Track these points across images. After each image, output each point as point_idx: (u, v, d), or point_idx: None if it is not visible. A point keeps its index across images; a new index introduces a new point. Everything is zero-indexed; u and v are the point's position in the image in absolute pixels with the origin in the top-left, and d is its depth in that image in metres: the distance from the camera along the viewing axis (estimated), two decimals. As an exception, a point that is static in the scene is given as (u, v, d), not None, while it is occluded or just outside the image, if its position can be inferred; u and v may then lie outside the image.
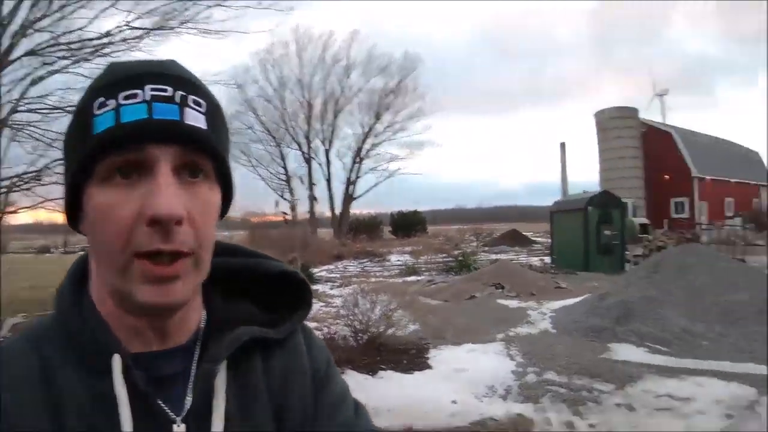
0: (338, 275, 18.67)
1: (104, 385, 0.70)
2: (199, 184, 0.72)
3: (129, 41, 10.36)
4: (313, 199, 36.53)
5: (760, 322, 8.35)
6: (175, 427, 0.73)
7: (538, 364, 6.66)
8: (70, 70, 10.38)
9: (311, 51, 39.80)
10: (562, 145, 36.39)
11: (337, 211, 40.39)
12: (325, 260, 23.61)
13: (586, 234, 18.58)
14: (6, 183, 9.87)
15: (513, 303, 11.11)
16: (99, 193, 0.69)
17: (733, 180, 42.64)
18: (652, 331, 8.01)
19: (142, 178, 0.69)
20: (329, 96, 40.30)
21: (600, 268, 17.34)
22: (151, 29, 10.44)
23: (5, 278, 9.42)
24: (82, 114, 0.72)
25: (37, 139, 10.13)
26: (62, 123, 9.71)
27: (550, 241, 23.68)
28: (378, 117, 40.43)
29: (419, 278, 16.83)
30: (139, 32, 10.36)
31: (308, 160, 40.23)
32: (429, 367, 6.57)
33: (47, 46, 10.01)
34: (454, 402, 5.36)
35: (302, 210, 32.30)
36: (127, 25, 10.22)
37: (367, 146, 40.85)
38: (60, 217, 12.18)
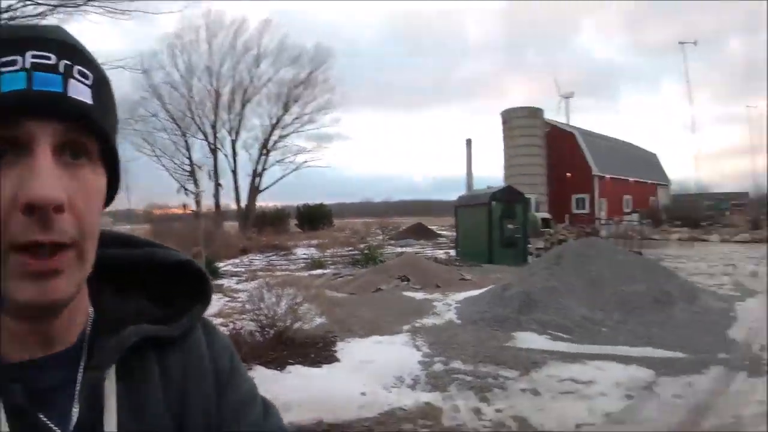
0: (244, 269, 18.40)
1: None
2: (82, 167, 0.64)
3: (31, 18, 9.65)
4: (218, 187, 35.48)
5: (655, 309, 8.92)
6: None
7: (445, 353, 6.76)
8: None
9: (222, 38, 38.57)
10: (468, 142, 37.46)
11: (243, 203, 39.50)
12: (231, 254, 23.15)
13: (490, 228, 19.10)
14: None
15: (419, 295, 11.24)
16: None
17: (631, 179, 45.68)
18: (554, 320, 8.33)
19: (18, 159, 0.60)
20: (238, 85, 39.24)
21: (503, 261, 17.89)
22: (56, 5, 9.77)
23: None
24: None
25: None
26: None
27: (455, 234, 24.16)
28: (286, 108, 39.72)
29: (325, 271, 16.79)
30: (42, 8, 9.66)
31: (214, 151, 39.02)
32: (337, 359, 6.52)
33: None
34: (363, 394, 5.33)
35: (207, 202, 31.42)
36: (30, 1, 9.52)
37: (274, 138, 40.10)
38: None
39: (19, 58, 0.61)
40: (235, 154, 39.78)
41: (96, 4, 9.91)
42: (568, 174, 40.15)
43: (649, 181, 50.09)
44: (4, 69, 0.60)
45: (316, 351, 6.74)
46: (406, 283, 12.59)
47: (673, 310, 9.07)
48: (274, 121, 39.63)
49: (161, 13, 11.68)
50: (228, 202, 39.44)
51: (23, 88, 0.59)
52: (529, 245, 20.53)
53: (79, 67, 0.64)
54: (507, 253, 18.74)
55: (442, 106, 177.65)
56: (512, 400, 5.30)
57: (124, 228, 13.68)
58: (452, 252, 22.22)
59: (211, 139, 38.79)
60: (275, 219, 38.51)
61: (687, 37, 72.45)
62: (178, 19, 35.18)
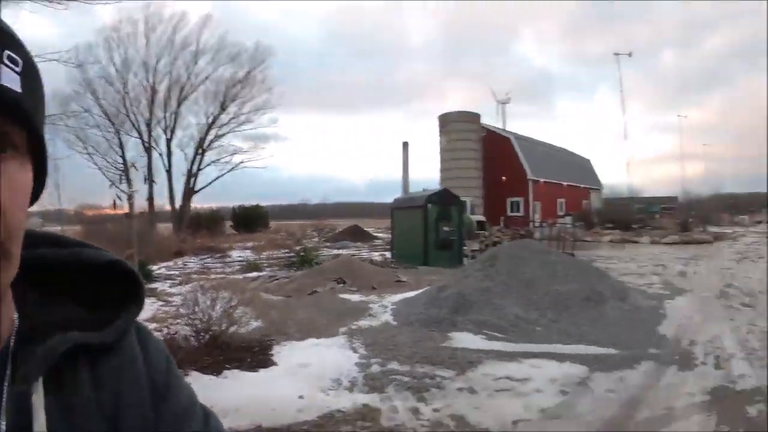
0: (178, 272, 17.97)
1: None
2: (7, 160, 0.59)
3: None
4: (151, 185, 34.39)
5: (587, 308, 9.22)
6: None
7: (382, 355, 6.78)
8: None
9: (161, 32, 37.34)
10: (405, 145, 37.65)
11: (178, 204, 38.45)
12: (165, 257, 22.57)
13: (426, 230, 19.29)
14: None
15: (355, 297, 11.25)
16: None
17: (565, 183, 47.14)
18: (489, 320, 8.50)
19: None
20: (175, 82, 37.99)
21: (439, 263, 18.08)
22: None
23: None
24: None
25: None
26: None
27: (391, 236, 24.29)
28: (223, 107, 38.83)
29: (261, 274, 16.58)
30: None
31: (148, 150, 37.76)
32: (274, 363, 6.45)
33: None
34: (301, 397, 5.30)
35: (140, 203, 30.37)
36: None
37: (210, 137, 39.13)
38: None
39: None
40: (170, 153, 38.66)
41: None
42: (504, 178, 41.04)
43: (583, 186, 51.85)
44: None
45: (252, 355, 6.65)
46: (342, 285, 12.59)
47: (605, 309, 9.40)
48: (210, 119, 38.79)
49: (99, 3, 11.23)
50: (162, 202, 38.39)
51: None
52: (465, 247, 20.80)
53: (9, 52, 0.60)
54: (442, 255, 18.95)
55: (380, 108, 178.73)
56: (449, 399, 5.37)
57: (54, 229, 13.17)
58: (388, 254, 22.35)
59: (145, 137, 37.57)
60: (210, 221, 37.74)
61: (622, 48, 75.34)
62: (116, 11, 34.19)
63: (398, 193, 32.10)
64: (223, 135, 39.37)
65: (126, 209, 17.01)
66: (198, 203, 40.83)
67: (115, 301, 0.74)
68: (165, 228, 34.70)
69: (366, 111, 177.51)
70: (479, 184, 40.84)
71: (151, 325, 7.48)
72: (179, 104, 38.33)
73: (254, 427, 4.69)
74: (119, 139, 36.74)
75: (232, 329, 6.91)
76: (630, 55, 60.52)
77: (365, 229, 38.24)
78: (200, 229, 33.24)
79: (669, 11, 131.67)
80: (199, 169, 38.74)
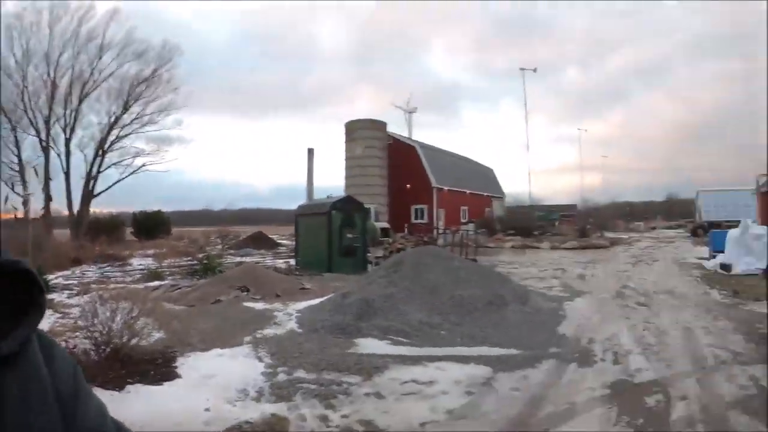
0: (76, 282, 16.92)
1: None
2: None
3: None
4: (48, 183, 32.06)
5: (490, 312, 9.54)
6: None
7: (288, 363, 6.72)
8: None
9: (66, 23, 35.11)
10: (310, 151, 37.36)
11: (76, 209, 36.24)
12: (62, 265, 21.23)
13: (330, 237, 19.28)
14: None
15: (259, 305, 11.08)
16: None
17: (468, 191, 48.36)
18: (394, 325, 8.62)
19: None
20: (77, 77, 35.51)
21: (343, 270, 18.12)
22: None
23: None
24: None
25: None
26: None
27: (295, 243, 24.10)
28: (127, 107, 36.81)
29: (163, 283, 15.98)
30: None
31: (46, 149, 35.41)
32: (178, 376, 6.25)
33: None
34: (207, 410, 5.18)
35: (36, 207, 28.33)
36: None
37: (112, 138, 37.02)
38: None
39: None
40: (68, 153, 36.44)
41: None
42: (408, 185, 41.70)
43: (486, 194, 53.66)
44: None
45: (155, 368, 6.41)
46: (246, 293, 12.38)
47: (507, 312, 9.75)
48: (112, 119, 36.72)
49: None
50: (59, 206, 36.13)
51: None
52: (369, 254, 20.96)
53: None
54: (347, 262, 19.00)
55: (287, 113, 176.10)
56: (357, 405, 5.42)
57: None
58: (292, 261, 22.16)
59: (43, 135, 35.31)
60: (110, 226, 35.72)
61: (528, 64, 78.05)
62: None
63: (303, 200, 31.89)
64: (126, 136, 37.34)
65: (20, 213, 16.00)
66: (97, 208, 38.75)
67: (12, 306, 0.68)
68: (62, 234, 32.81)
69: (273, 115, 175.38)
70: (384, 191, 41.27)
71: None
72: (81, 101, 35.98)
73: (160, 442, 4.58)
74: (15, 136, 34.46)
75: (134, 341, 6.65)
76: (535, 70, 62.95)
77: (269, 236, 37.66)
78: (99, 235, 31.51)
79: (574, 31, 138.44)
80: (99, 172, 36.72)
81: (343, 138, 43.31)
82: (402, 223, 38.04)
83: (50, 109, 35.02)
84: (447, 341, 8.16)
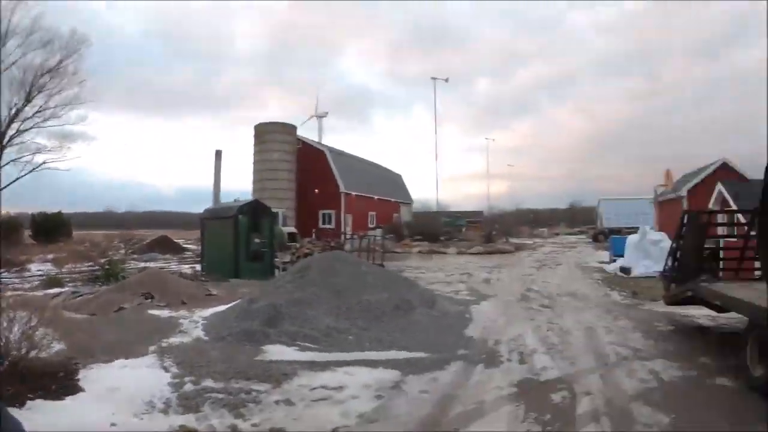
0: (-30, 290, 15.86)
1: None
2: None
3: None
4: None
5: (397, 316, 9.66)
6: None
7: (195, 372, 6.48)
8: None
9: None
10: (218, 153, 36.40)
11: None
12: None
13: (237, 241, 18.89)
14: None
15: (164, 313, 10.68)
16: None
17: (376, 197, 48.67)
18: (302, 331, 8.56)
19: None
20: None
21: (250, 275, 17.81)
22: None
23: None
24: None
25: None
26: None
27: (201, 248, 23.49)
28: (29, 99, 34.64)
29: (63, 290, 15.13)
30: None
31: None
32: (81, 389, 5.89)
33: None
34: (113, 424, 4.91)
35: None
36: None
37: (11, 132, 34.68)
38: None
39: None
40: None
41: None
42: (317, 190, 41.56)
43: (394, 200, 54.32)
44: None
45: (57, 381, 6.01)
46: (150, 300, 11.93)
47: (414, 316, 9.91)
48: (13, 111, 34.46)
49: None
50: None
51: None
52: (276, 259, 20.74)
53: None
54: (254, 267, 18.69)
55: (196, 113, 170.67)
56: (267, 413, 5.34)
57: None
58: (198, 266, 21.59)
59: None
60: (7, 229, 33.45)
61: (440, 73, 79.96)
62: None
63: (210, 203, 31.12)
64: (27, 130, 35.20)
65: None
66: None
67: None
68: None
69: (181, 115, 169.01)
70: (292, 195, 40.96)
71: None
72: (-21, 91, 33.70)
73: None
74: None
75: (33, 353, 6.28)
76: (447, 80, 64.41)
77: (175, 240, 36.54)
78: (-5, 238, 29.63)
79: (487, 44, 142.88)
80: (-4, 169, 34.42)
81: (252, 141, 42.68)
82: (310, 228, 37.89)
83: (-55, 98, 32.51)
84: (355, 346, 8.20)
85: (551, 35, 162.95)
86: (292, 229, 31.53)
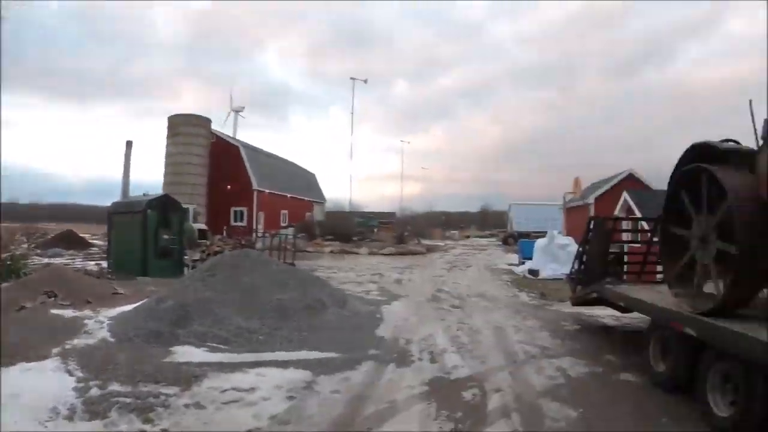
0: None
1: None
2: None
3: None
4: None
5: (308, 315, 9.69)
6: None
7: (101, 376, 6.21)
8: None
9: None
10: (129, 143, 34.77)
11: None
12: None
13: (145, 237, 18.25)
14: None
15: (68, 312, 10.16)
16: None
17: (289, 195, 48.14)
18: (212, 331, 8.44)
19: None
20: None
21: (159, 273, 17.27)
22: None
23: None
24: None
25: None
26: None
27: (108, 244, 22.54)
28: None
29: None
30: None
31: None
32: (-20, 397, 5.59)
33: None
34: (15, 434, 4.73)
35: None
36: None
37: None
38: None
39: None
40: None
41: None
42: (229, 186, 40.59)
43: (307, 198, 53.89)
44: None
45: None
46: (53, 299, 11.36)
47: (326, 315, 9.98)
48: None
49: None
50: None
51: None
52: (186, 257, 20.20)
53: None
54: (162, 265, 18.11)
55: (107, 101, 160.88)
56: (177, 417, 5.23)
57: None
58: (105, 263, 20.73)
59: None
60: None
61: (360, 74, 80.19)
62: None
63: (118, 197, 29.88)
64: None
65: None
66: None
67: None
68: None
69: (92, 101, 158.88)
70: (204, 191, 39.73)
71: None
72: None
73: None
74: None
75: None
76: (366, 81, 64.84)
77: (81, 235, 34.81)
78: None
79: (409, 47, 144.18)
80: None
81: (166, 133, 41.14)
82: (221, 225, 36.97)
83: None
84: (266, 346, 8.16)
85: (473, 43, 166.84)
86: (203, 226, 30.67)
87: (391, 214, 64.03)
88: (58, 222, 45.47)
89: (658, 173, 29.00)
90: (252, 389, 6.08)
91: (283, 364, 7.10)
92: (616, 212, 23.44)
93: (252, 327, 8.83)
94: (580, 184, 32.62)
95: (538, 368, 7.46)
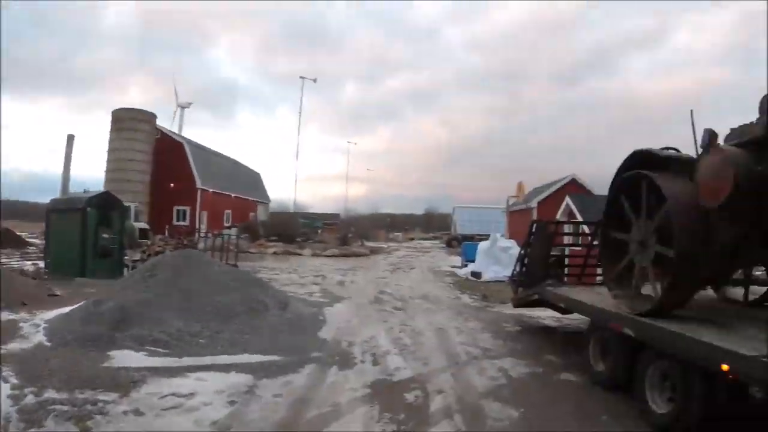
0: None
1: None
2: None
3: None
4: None
5: (250, 318, 9.63)
6: None
7: (36, 383, 5.99)
8: None
9: None
10: (70, 137, 33.51)
11: None
12: None
13: (84, 236, 17.69)
14: None
15: (2, 315, 9.91)
16: None
17: (233, 195, 47.46)
18: (151, 334, 8.28)
19: None
20: None
21: (98, 273, 16.79)
22: None
23: None
24: None
25: None
26: None
27: (45, 243, 21.78)
28: None
29: None
30: None
31: None
32: None
33: None
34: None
35: None
36: None
37: None
38: None
39: None
40: None
41: None
42: (172, 184, 39.74)
43: (251, 198, 53.28)
44: None
45: None
46: (-16, 301, 11.00)
47: (268, 318, 9.93)
48: None
49: None
50: None
51: None
52: (126, 257, 19.70)
53: None
54: (102, 265, 17.60)
55: (47, 92, 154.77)
56: (115, 425, 5.14)
57: None
58: (42, 264, 20.05)
59: None
60: None
61: (310, 73, 79.53)
62: None
63: (57, 193, 28.87)
64: None
65: None
66: None
67: None
68: None
69: (31, 92, 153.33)
70: (146, 189, 38.74)
71: None
72: None
73: None
74: None
75: None
76: (315, 80, 64.48)
77: (18, 233, 33.55)
78: None
79: (359, 48, 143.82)
80: None
81: (109, 127, 39.86)
82: (163, 225, 36.14)
83: None
84: (207, 350, 8.05)
85: (424, 46, 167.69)
86: (145, 225, 29.98)
87: (336, 216, 64.04)
88: (-4, 219, 43.59)
89: (600, 179, 29.95)
90: (192, 394, 6.01)
91: (225, 368, 7.05)
92: (559, 216, 24.08)
93: (193, 330, 8.69)
94: (523, 188, 33.38)
95: (480, 369, 7.63)
